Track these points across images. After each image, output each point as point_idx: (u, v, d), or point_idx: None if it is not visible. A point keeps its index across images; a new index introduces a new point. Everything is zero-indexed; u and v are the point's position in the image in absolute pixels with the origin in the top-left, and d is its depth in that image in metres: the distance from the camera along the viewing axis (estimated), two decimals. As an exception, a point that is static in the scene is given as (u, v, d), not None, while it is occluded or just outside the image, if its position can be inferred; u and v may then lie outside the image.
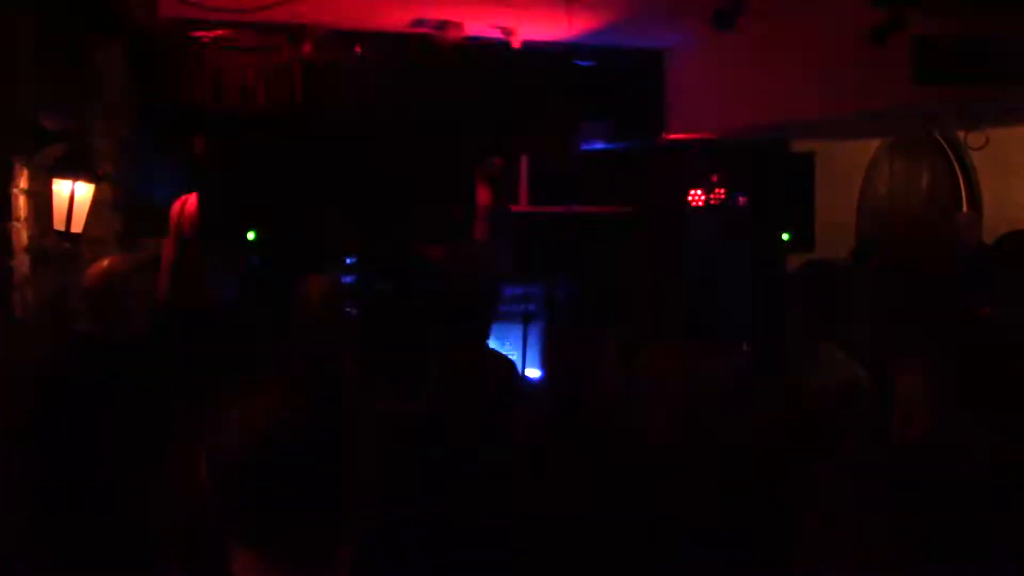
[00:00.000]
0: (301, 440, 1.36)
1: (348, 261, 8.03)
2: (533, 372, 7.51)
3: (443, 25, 6.49)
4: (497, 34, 6.69)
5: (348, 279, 7.14)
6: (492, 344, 4.82)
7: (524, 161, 8.78)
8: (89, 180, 3.98)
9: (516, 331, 7.57)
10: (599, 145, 8.44)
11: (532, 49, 6.96)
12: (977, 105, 4.84)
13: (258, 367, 1.47)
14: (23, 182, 3.87)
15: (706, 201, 7.78)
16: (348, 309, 4.30)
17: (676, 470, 2.65)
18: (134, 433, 2.76)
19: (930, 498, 1.16)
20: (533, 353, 7.86)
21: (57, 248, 4.20)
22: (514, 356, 7.28)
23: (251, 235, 5.46)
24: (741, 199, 7.01)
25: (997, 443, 1.24)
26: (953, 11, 4.67)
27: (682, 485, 2.62)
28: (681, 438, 2.69)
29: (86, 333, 3.53)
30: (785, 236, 6.44)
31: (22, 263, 3.92)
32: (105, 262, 3.68)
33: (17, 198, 3.82)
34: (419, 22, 6.45)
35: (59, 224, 3.98)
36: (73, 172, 3.94)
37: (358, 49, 6.85)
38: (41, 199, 4.03)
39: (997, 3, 4.65)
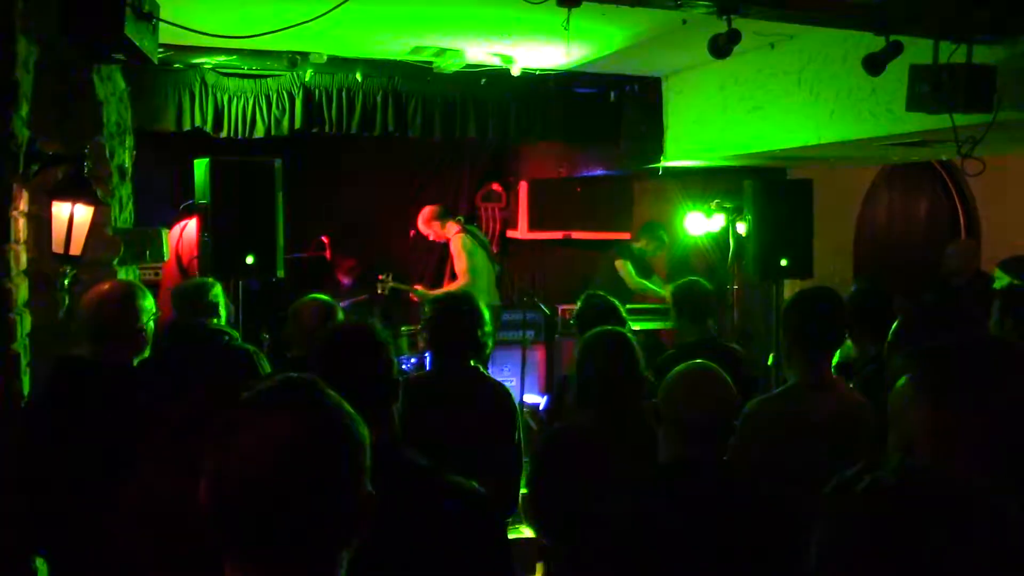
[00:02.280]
0: (304, 465, 1.37)
1: (345, 284, 8.06)
2: (532, 398, 7.50)
3: (443, 52, 6.53)
4: (497, 61, 6.73)
5: (345, 304, 7.16)
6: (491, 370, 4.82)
7: (524, 188, 8.82)
8: (88, 203, 3.99)
9: (515, 357, 7.57)
10: (597, 171, 8.49)
11: (531, 76, 7.00)
12: (973, 132, 4.86)
13: (258, 390, 1.48)
14: (23, 204, 3.88)
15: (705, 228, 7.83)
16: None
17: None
18: (122, 455, 2.76)
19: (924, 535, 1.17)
20: (532, 379, 7.86)
21: (55, 270, 4.21)
22: (513, 381, 7.29)
23: (250, 259, 5.46)
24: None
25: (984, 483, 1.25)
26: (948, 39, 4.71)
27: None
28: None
29: (84, 356, 3.53)
30: (783, 262, 6.45)
31: (20, 285, 3.92)
32: (104, 286, 3.69)
33: (17, 220, 3.83)
34: (419, 49, 6.49)
35: (58, 247, 3.99)
36: (73, 195, 3.95)
37: (358, 76, 6.90)
38: (40, 222, 4.05)
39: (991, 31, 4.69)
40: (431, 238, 8.01)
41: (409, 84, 7.07)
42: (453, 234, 7.74)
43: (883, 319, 3.67)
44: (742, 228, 6.87)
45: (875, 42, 4.70)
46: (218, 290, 4.67)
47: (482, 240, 7.85)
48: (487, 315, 4.01)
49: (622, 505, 2.66)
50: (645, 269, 8.10)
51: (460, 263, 7.66)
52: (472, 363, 3.94)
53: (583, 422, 3.44)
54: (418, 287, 7.89)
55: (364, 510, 1.43)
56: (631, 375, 3.37)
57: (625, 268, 7.87)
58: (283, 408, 1.41)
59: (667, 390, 2.78)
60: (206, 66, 6.58)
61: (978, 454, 1.71)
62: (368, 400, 2.24)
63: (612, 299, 4.87)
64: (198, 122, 6.61)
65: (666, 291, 7.83)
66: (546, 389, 7.75)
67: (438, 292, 7.57)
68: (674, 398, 2.75)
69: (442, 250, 8.49)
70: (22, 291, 3.93)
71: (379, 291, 7.66)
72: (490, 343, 4.07)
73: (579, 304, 4.89)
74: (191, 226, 6.29)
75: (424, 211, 7.96)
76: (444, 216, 7.85)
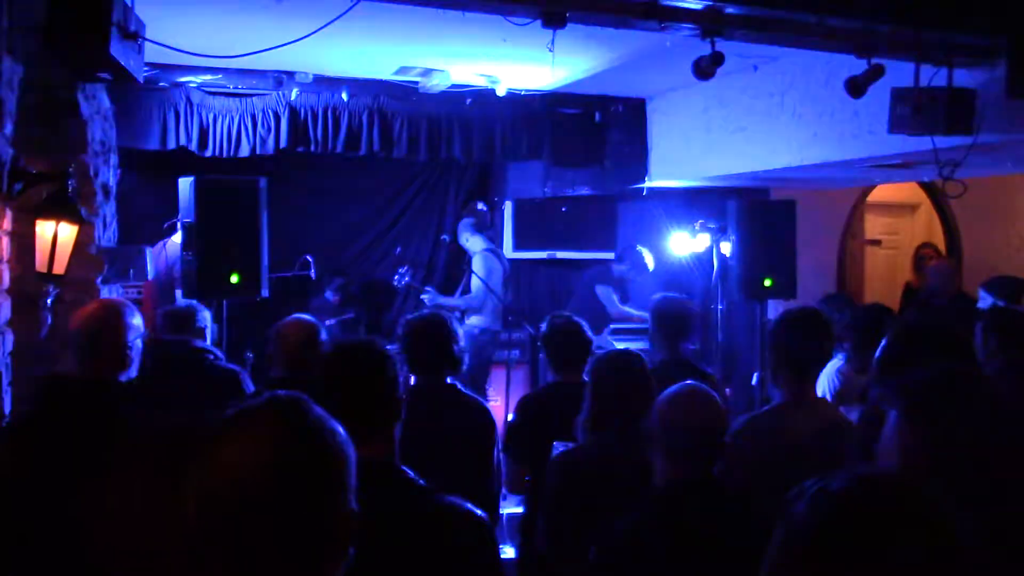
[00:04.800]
0: (287, 481, 1.38)
1: (329, 299, 8.02)
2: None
3: (429, 72, 6.56)
4: (482, 82, 6.76)
5: (330, 322, 7.13)
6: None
7: (509, 207, 8.83)
8: (72, 221, 3.97)
9: (500, 376, 7.56)
10: (583, 192, 8.51)
11: (516, 97, 7.03)
12: (954, 154, 4.91)
13: (243, 406, 1.48)
14: (6, 223, 3.87)
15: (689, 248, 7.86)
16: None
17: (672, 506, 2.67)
18: (108, 475, 2.74)
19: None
20: (517, 398, 7.84)
21: (38, 289, 4.19)
22: (497, 401, 7.27)
23: (234, 278, 5.45)
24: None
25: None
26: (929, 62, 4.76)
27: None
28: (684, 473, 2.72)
29: (69, 374, 3.51)
30: (767, 282, 6.48)
31: (3, 304, 3.91)
32: (93, 305, 3.67)
33: (0, 239, 3.82)
34: (405, 69, 6.52)
35: (41, 266, 3.97)
36: (56, 213, 3.94)
37: (344, 96, 6.92)
38: (24, 240, 4.03)
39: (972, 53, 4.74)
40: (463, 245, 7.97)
41: (395, 104, 7.09)
42: (479, 250, 7.71)
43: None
44: (726, 248, 6.90)
45: (857, 65, 4.75)
46: (206, 314, 4.73)
47: (503, 266, 7.81)
48: (460, 332, 4.01)
49: (621, 528, 2.66)
50: (625, 294, 8.08)
51: (476, 280, 7.59)
52: (449, 380, 3.93)
53: (596, 443, 3.43)
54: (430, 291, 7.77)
55: (348, 526, 1.43)
56: (646, 396, 3.36)
57: (608, 294, 7.84)
58: (267, 424, 1.42)
59: (659, 411, 2.79)
60: (191, 85, 6.58)
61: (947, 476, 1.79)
62: (367, 418, 2.27)
63: (576, 318, 4.69)
64: (183, 141, 6.60)
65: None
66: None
67: (451, 299, 7.54)
68: (667, 419, 2.75)
69: (428, 268, 8.48)
70: (4, 310, 3.92)
71: (395, 283, 7.57)
72: (465, 359, 4.06)
73: (545, 326, 4.71)
74: (176, 245, 6.27)
75: (465, 219, 7.97)
76: (477, 228, 7.84)
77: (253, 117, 6.77)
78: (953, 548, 1.21)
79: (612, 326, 7.40)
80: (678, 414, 2.74)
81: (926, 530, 1.22)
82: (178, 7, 4.78)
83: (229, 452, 1.39)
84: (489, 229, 8.16)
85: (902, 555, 1.20)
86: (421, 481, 2.26)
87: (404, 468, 2.28)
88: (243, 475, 1.37)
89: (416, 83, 6.75)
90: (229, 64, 6.01)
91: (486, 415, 3.99)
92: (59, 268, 3.98)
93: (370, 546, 1.48)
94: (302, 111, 6.88)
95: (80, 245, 4.16)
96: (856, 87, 4.79)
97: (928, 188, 8.86)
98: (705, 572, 2.54)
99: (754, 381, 6.43)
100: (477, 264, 7.65)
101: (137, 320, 3.55)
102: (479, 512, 2.28)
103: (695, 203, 8.18)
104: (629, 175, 7.82)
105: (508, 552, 5.68)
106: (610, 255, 8.46)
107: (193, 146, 6.63)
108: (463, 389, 4.01)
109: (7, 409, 3.82)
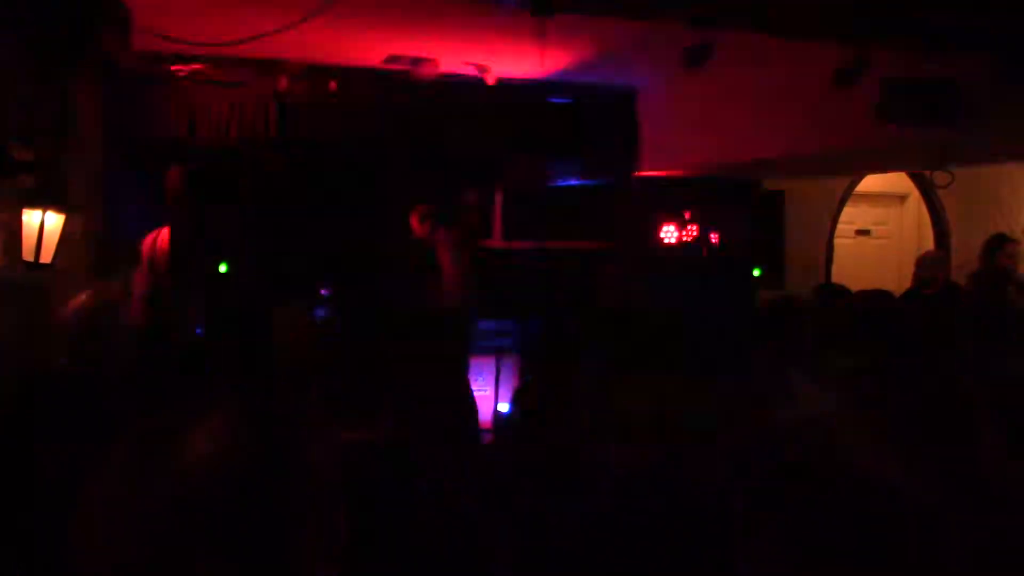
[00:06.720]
0: (256, 465, 1.37)
1: (323, 293, 8.00)
2: (507, 407, 7.50)
3: (418, 62, 6.54)
4: (472, 71, 6.74)
5: (320, 312, 7.11)
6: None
7: (498, 197, 8.82)
8: (59, 210, 3.96)
9: (489, 366, 7.56)
10: (572, 181, 8.50)
11: (506, 86, 7.01)
12: (942, 144, 4.92)
13: (219, 397, 1.48)
14: (-7, 212, 3.85)
15: (679, 238, 7.87)
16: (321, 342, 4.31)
17: (644, 502, 2.65)
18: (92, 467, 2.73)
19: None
20: (507, 388, 7.85)
21: (26, 279, 4.17)
22: (487, 391, 7.28)
23: (223, 268, 5.44)
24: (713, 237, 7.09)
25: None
26: (916, 52, 4.77)
27: (648, 516, 2.62)
28: (647, 470, 2.69)
29: (58, 367, 3.49)
30: (756, 272, 6.50)
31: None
32: (82, 296, 3.65)
33: (-14, 228, 3.81)
34: (394, 58, 6.50)
35: (28, 255, 3.96)
36: (43, 202, 3.93)
37: (333, 85, 6.89)
38: (10, 229, 4.01)
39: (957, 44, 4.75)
40: (420, 235, 7.82)
41: (384, 93, 7.06)
42: (442, 240, 7.61)
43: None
44: (715, 238, 6.92)
45: (847, 55, 4.76)
46: (192, 303, 4.69)
47: (471, 253, 7.74)
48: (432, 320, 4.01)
49: (572, 518, 2.65)
50: None
51: (450, 271, 7.50)
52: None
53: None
54: None
55: (322, 515, 1.42)
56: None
57: None
58: (221, 415, 1.41)
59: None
60: (181, 74, 6.55)
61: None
62: (358, 402, 2.28)
63: None
64: (172, 130, 6.57)
65: None
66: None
67: (438, 291, 7.45)
68: (622, 405, 2.75)
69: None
70: (-9, 299, 3.91)
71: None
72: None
73: None
74: (163, 235, 6.25)
75: (416, 210, 7.81)
76: (432, 217, 7.71)
77: (243, 106, 6.74)
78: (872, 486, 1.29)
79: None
80: (635, 399, 2.73)
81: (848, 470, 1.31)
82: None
83: (184, 445, 1.38)
84: (463, 219, 8.09)
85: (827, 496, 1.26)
86: (405, 464, 2.27)
87: (397, 453, 2.29)
88: (197, 467, 1.36)
89: (406, 72, 6.73)
90: (219, 53, 5.98)
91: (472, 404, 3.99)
92: (46, 257, 3.97)
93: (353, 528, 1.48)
94: (292, 100, 6.85)
95: (68, 235, 4.15)
96: (846, 77, 4.81)
97: (917, 178, 8.88)
98: (658, 562, 2.52)
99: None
100: (447, 254, 7.58)
101: (125, 312, 3.54)
102: (462, 500, 2.29)
103: (685, 193, 8.18)
104: (619, 165, 7.81)
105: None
106: (600, 245, 8.46)
107: (182, 135, 6.59)
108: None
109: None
